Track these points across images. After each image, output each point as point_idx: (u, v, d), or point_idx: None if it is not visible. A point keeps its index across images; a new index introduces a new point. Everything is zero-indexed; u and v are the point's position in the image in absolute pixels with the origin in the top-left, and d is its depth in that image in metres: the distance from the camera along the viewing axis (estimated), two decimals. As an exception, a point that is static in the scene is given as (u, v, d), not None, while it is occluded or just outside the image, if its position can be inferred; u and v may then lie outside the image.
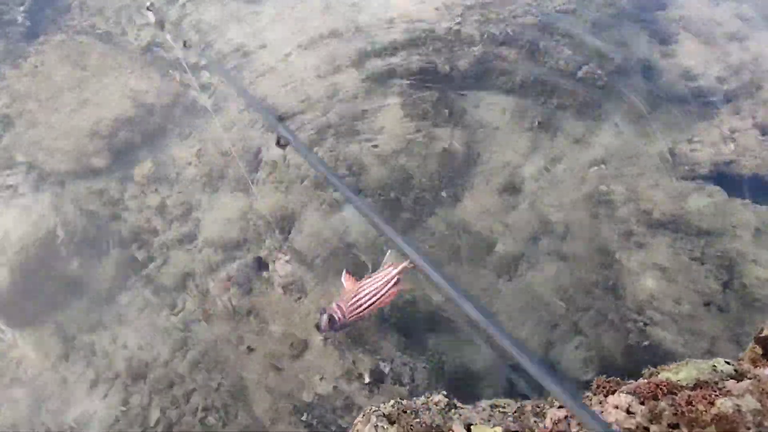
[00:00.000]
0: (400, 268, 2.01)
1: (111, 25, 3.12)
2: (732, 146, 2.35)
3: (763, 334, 1.29)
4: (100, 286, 2.38)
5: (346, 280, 2.10)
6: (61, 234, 2.44)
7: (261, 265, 2.24)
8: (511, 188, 2.43)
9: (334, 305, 2.00)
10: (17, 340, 2.28)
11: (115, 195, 2.56)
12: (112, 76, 2.85)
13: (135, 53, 2.97)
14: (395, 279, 2.02)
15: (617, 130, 2.62)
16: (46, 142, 2.63)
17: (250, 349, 2.06)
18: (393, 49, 2.74)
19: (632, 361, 1.96)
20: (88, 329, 2.30)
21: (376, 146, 2.51)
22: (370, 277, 2.08)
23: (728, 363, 1.26)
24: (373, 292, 2.04)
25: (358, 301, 2.04)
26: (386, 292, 2.03)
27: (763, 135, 2.36)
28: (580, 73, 2.67)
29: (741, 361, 1.30)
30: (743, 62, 2.60)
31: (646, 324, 2.02)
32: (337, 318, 1.97)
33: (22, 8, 3.17)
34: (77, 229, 2.46)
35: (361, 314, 2.04)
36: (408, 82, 2.71)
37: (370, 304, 2.05)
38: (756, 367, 1.24)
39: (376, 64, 2.76)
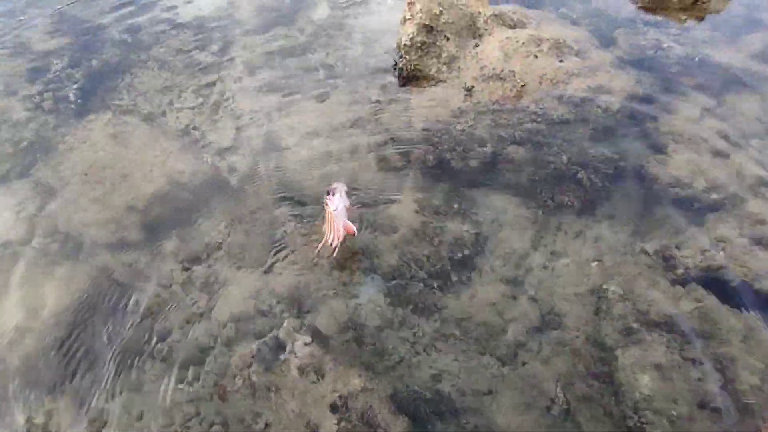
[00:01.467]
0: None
1: (154, 106, 3.43)
2: (721, 253, 2.55)
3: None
4: (118, 356, 2.49)
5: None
6: (88, 303, 2.58)
7: (280, 344, 2.37)
8: (516, 278, 2.61)
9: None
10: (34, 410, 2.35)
11: (143, 267, 2.73)
12: (152, 155, 3.11)
13: (174, 134, 3.25)
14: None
15: (614, 230, 2.83)
16: (86, 214, 2.84)
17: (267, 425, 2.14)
18: (410, 143, 3.03)
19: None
20: (104, 398, 2.38)
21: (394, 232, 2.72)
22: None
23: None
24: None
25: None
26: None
27: (750, 245, 2.57)
28: (579, 175, 2.93)
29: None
30: (729, 175, 2.87)
31: (643, 423, 2.11)
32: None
33: (75, 86, 3.50)
34: (104, 300, 2.61)
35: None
36: (422, 174, 2.97)
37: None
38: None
39: (394, 156, 3.04)
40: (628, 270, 2.59)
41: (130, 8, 4.24)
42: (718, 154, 3.03)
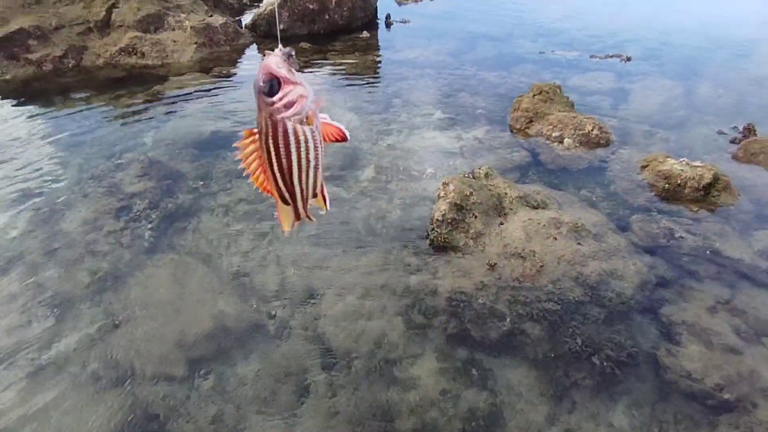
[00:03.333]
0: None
1: (213, 249, 3.92)
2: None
3: None
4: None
5: None
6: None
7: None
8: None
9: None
10: None
11: (178, 405, 2.96)
12: (204, 295, 3.51)
13: (226, 277, 3.68)
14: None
15: (630, 413, 2.90)
16: (140, 345, 3.18)
17: None
18: (435, 311, 3.32)
19: None
20: None
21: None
22: None
23: None
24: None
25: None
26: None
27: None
28: (594, 358, 3.09)
29: None
30: (741, 375, 2.96)
31: None
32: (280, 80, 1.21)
33: (150, 226, 4.08)
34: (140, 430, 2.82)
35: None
36: (444, 339, 3.20)
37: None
38: None
39: (420, 320, 3.31)
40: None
41: (208, 158, 5.00)
42: (730, 350, 3.15)
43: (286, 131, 1.26)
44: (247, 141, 1.31)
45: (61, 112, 6.02)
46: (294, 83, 1.23)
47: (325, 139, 1.37)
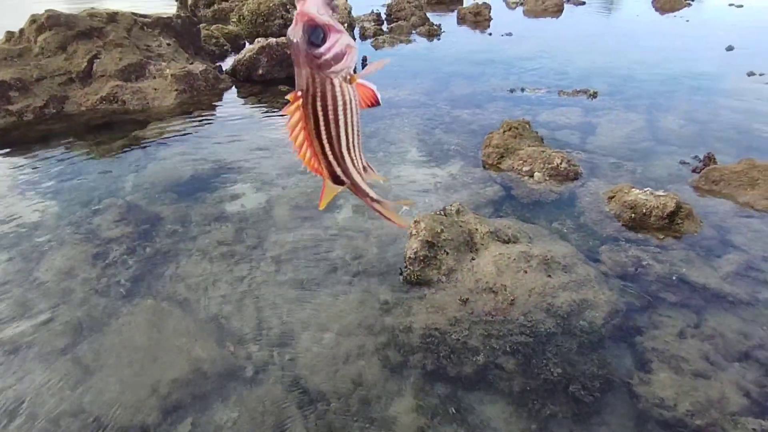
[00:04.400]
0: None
1: (191, 293, 3.92)
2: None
3: None
4: None
5: None
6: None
7: None
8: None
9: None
10: None
11: (154, 454, 2.91)
12: (180, 341, 3.50)
13: (203, 321, 3.67)
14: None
15: (607, 444, 2.93)
16: (113, 395, 3.13)
17: None
18: (411, 348, 3.35)
19: None
20: None
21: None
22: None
23: None
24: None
25: None
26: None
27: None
28: (569, 388, 3.13)
29: None
30: (710, 401, 3.02)
31: None
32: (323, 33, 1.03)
33: (128, 272, 4.08)
34: (112, 486, 2.75)
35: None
36: (421, 377, 3.22)
37: None
38: None
39: (397, 358, 3.33)
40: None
41: (187, 201, 5.05)
42: (700, 375, 3.22)
43: (334, 91, 1.07)
44: (293, 107, 1.09)
45: (40, 160, 6.06)
46: (339, 31, 1.04)
47: (365, 97, 1.18)
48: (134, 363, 3.35)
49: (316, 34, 1.02)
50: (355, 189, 1.22)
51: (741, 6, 16.87)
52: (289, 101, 1.11)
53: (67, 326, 3.58)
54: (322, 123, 1.10)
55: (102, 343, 3.46)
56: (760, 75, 9.36)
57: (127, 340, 3.49)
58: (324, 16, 1.02)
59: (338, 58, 1.05)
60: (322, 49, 1.03)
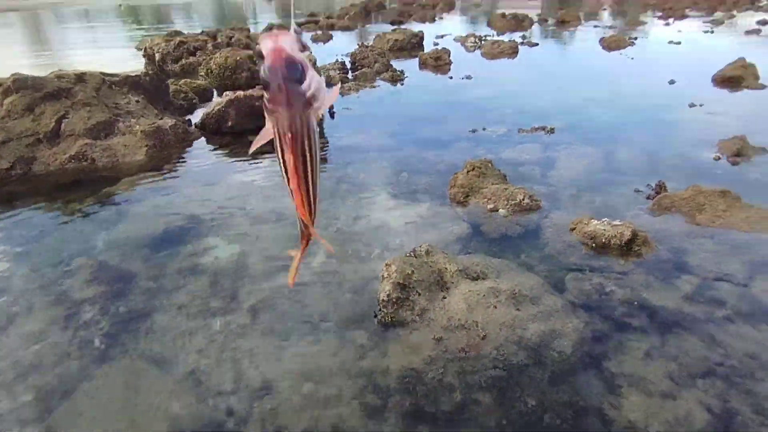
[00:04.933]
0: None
1: (167, 350, 3.90)
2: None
3: None
4: None
5: None
6: None
7: None
8: None
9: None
10: None
11: None
12: (158, 399, 3.46)
13: (180, 377, 3.65)
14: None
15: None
16: (88, 462, 3.06)
17: None
18: (388, 390, 3.40)
19: None
20: None
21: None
22: None
23: None
24: None
25: None
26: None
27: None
28: (544, 419, 3.22)
29: None
30: (678, 420, 3.16)
31: None
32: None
33: (101, 332, 4.04)
34: None
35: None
36: (401, 418, 3.26)
37: None
38: None
39: (375, 401, 3.37)
40: None
41: (160, 257, 5.06)
42: (667, 395, 3.37)
43: (312, 129, 1.03)
44: (289, 152, 1.01)
45: (6, 222, 5.99)
46: (310, 67, 1.01)
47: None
48: (110, 428, 3.28)
49: (296, 71, 0.98)
50: (308, 231, 1.16)
51: (679, 42, 18.20)
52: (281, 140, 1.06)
53: (37, 393, 3.49)
54: (309, 166, 1.06)
55: (75, 409, 3.39)
56: (700, 105, 10.07)
57: (102, 403, 3.43)
58: (298, 54, 0.97)
59: (318, 93, 1.03)
60: (304, 86, 1.00)
